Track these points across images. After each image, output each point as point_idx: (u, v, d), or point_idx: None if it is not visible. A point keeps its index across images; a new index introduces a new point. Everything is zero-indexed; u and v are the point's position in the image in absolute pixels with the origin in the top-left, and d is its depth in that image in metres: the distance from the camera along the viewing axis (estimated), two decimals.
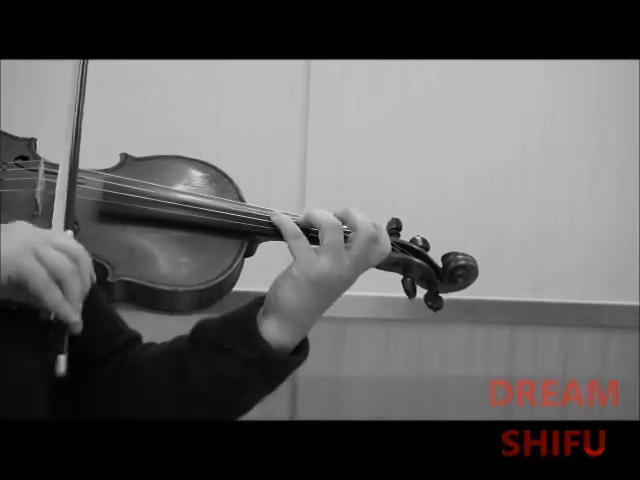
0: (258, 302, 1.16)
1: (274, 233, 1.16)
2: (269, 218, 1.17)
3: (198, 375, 1.14)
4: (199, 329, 1.18)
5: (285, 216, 1.16)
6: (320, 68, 2.25)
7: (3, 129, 1.20)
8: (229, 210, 1.17)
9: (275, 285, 1.14)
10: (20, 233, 0.97)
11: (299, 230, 1.14)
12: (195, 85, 2.22)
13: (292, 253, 1.14)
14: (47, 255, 0.94)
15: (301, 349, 1.16)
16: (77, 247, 0.98)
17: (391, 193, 2.28)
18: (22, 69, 2.07)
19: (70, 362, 0.95)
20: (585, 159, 2.36)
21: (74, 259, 0.96)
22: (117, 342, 1.23)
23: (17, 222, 0.99)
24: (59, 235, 1.00)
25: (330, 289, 1.14)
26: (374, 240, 1.14)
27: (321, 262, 1.12)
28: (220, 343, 1.14)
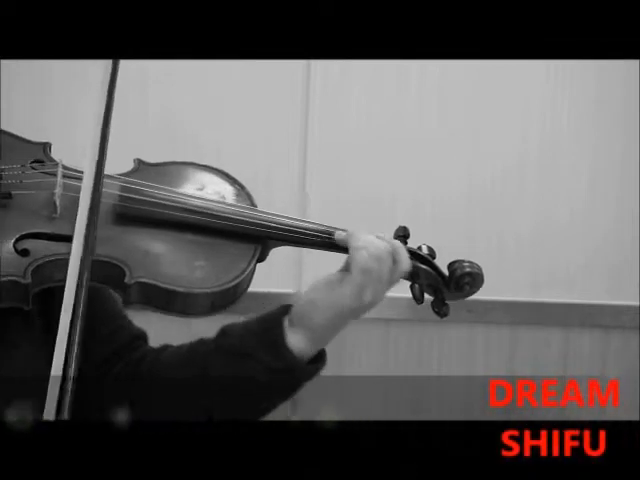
0: (283, 311, 1.16)
1: (285, 238, 1.18)
2: (279, 223, 1.17)
3: (221, 380, 1.14)
4: (224, 335, 1.17)
5: (369, 244, 1.14)
6: (320, 68, 2.25)
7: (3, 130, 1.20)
8: (243, 215, 1.17)
9: (314, 307, 1.14)
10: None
11: (371, 264, 1.12)
12: (195, 85, 2.22)
13: (352, 281, 1.13)
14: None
15: (320, 357, 1.17)
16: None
17: (391, 193, 2.29)
18: (22, 69, 2.07)
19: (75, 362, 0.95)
20: (585, 159, 2.36)
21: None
22: (122, 340, 1.23)
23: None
24: None
25: (364, 313, 1.16)
26: (394, 252, 1.15)
27: (368, 295, 1.12)
28: (246, 352, 1.14)
